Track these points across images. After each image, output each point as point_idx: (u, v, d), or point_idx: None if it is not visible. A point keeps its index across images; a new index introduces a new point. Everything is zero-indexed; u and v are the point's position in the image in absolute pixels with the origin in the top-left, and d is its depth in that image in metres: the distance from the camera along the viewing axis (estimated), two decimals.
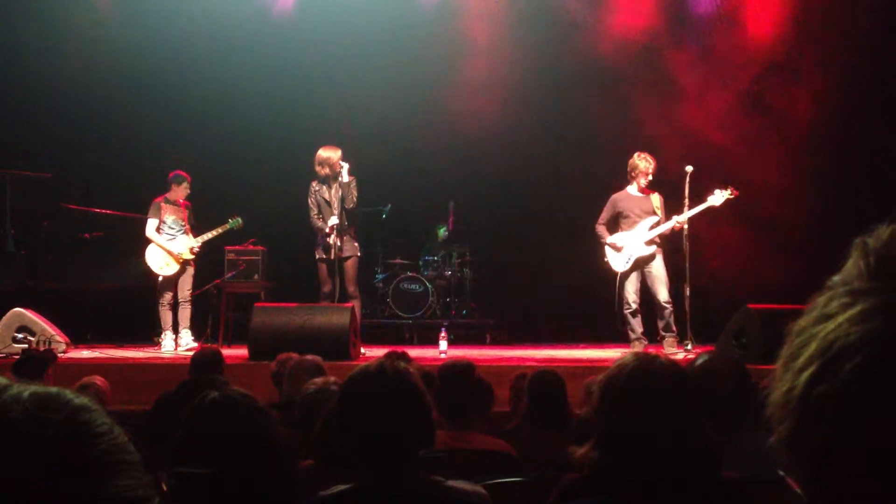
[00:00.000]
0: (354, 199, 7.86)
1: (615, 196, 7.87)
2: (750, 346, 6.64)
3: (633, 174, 7.76)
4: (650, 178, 7.70)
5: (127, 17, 10.18)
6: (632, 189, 7.81)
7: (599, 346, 8.74)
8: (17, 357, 5.96)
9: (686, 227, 7.59)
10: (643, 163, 7.69)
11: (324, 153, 7.87)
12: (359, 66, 10.44)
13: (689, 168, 7.62)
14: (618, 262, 7.76)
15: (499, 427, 3.82)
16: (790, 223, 9.49)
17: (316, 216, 7.94)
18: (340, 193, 7.82)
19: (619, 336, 8.40)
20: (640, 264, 7.70)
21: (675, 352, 7.36)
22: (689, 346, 7.48)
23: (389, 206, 9.51)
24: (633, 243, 7.70)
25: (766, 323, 6.50)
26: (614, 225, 7.86)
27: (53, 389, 0.66)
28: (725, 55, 10.10)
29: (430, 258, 10.66)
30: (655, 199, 7.75)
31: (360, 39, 10.42)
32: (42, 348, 7.00)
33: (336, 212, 7.83)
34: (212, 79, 10.38)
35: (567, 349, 8.79)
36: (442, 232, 10.81)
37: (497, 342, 10.02)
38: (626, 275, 7.72)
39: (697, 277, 7.78)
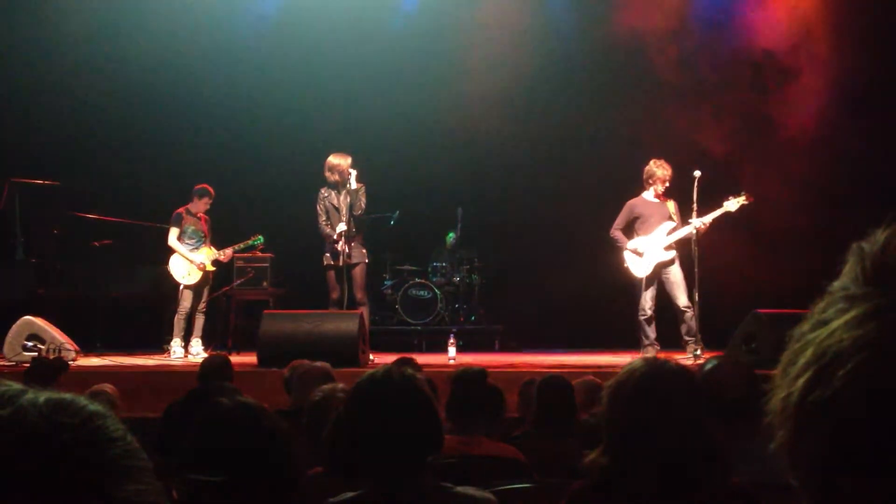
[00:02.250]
0: (363, 206, 7.88)
1: (631, 202, 7.87)
2: (759, 351, 6.62)
3: (650, 181, 7.77)
4: (667, 184, 7.71)
5: (138, 27, 10.23)
6: (648, 195, 7.82)
7: (608, 352, 8.72)
8: (27, 365, 5.98)
9: (695, 232, 7.58)
10: (660, 170, 7.71)
11: (334, 160, 7.90)
12: (367, 73, 10.47)
13: (698, 173, 7.60)
14: (639, 267, 7.75)
15: (508, 433, 3.82)
16: (798, 226, 9.46)
17: (324, 222, 7.96)
18: (349, 200, 7.84)
19: (628, 341, 8.39)
20: (659, 270, 7.70)
21: (697, 357, 7.33)
22: (699, 352, 7.46)
23: (398, 212, 9.52)
24: (653, 249, 7.70)
25: (775, 328, 6.48)
26: (629, 231, 7.85)
27: (68, 395, 0.67)
28: (725, 59, 10.10)
29: (439, 264, 10.66)
30: (671, 206, 7.76)
31: (369, 47, 10.45)
32: (52, 356, 7.02)
33: (344, 218, 7.85)
34: (220, 87, 10.43)
35: (576, 355, 8.77)
36: (450, 238, 10.81)
37: (505, 348, 10.01)
38: (645, 281, 7.71)
39: (706, 283, 7.75)
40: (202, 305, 8.59)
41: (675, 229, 7.67)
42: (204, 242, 8.60)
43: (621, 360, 6.95)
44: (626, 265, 7.82)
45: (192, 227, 8.58)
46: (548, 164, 10.54)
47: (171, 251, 8.51)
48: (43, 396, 0.66)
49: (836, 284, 0.68)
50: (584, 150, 10.33)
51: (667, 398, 1.93)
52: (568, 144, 10.40)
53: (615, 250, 7.92)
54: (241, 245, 8.79)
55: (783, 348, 0.70)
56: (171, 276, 8.50)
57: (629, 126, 10.07)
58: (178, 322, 8.50)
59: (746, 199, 7.56)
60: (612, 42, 10.16)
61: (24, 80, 10.12)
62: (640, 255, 7.73)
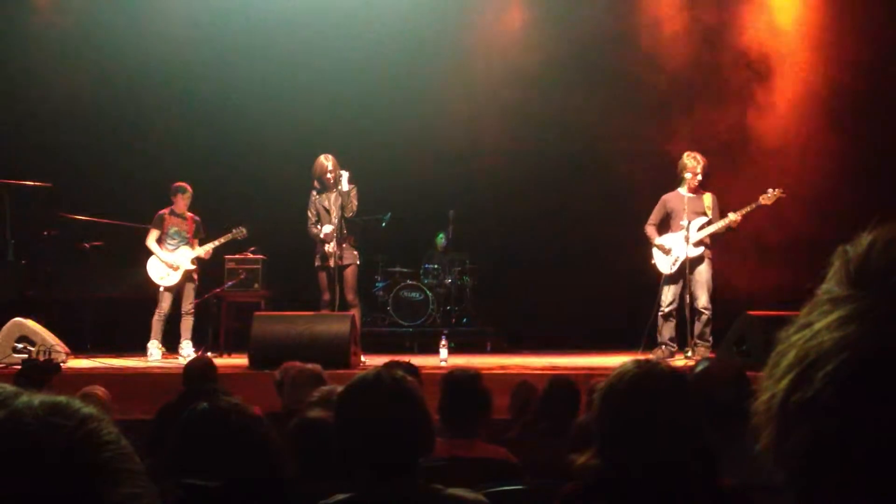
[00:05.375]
0: (354, 208, 7.86)
1: (665, 196, 7.71)
2: (750, 353, 6.64)
3: (682, 173, 7.60)
4: (699, 177, 7.53)
5: (127, 27, 10.20)
6: (682, 189, 7.64)
7: (601, 353, 8.73)
8: (17, 367, 5.95)
9: (689, 233, 7.52)
10: (691, 161, 7.54)
11: (317, 161, 7.90)
12: (358, 74, 10.47)
13: (689, 175, 7.61)
14: (664, 264, 7.59)
15: (499, 435, 3.82)
16: (791, 228, 9.50)
17: (314, 225, 7.95)
18: (340, 202, 7.83)
19: (621, 343, 8.39)
20: (686, 267, 7.51)
21: (689, 358, 7.28)
22: (690, 353, 7.46)
23: (389, 214, 9.52)
24: (681, 245, 7.51)
25: (766, 330, 6.49)
26: (663, 226, 7.69)
27: (63, 398, 0.68)
28: (713, 64, 10.14)
29: (430, 266, 10.67)
30: (707, 199, 7.54)
31: (360, 48, 10.45)
32: (42, 358, 6.99)
33: (334, 220, 7.83)
34: (211, 88, 10.41)
35: (568, 357, 8.78)
36: (440, 239, 10.82)
37: (497, 350, 10.01)
38: (669, 277, 7.56)
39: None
40: (189, 307, 8.54)
41: (707, 224, 7.47)
42: (186, 242, 8.58)
43: (613, 361, 6.96)
44: (652, 261, 7.67)
45: (175, 228, 8.57)
46: (540, 166, 10.56)
47: (149, 253, 8.51)
48: (38, 399, 0.66)
49: (823, 287, 0.69)
50: (576, 152, 10.35)
51: (658, 400, 1.93)
52: (560, 147, 10.41)
53: (646, 246, 7.76)
54: (223, 240, 8.71)
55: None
56: (149, 278, 8.49)
57: (622, 129, 10.09)
58: (156, 324, 8.46)
59: (782, 193, 7.46)
60: (603, 45, 10.19)
61: (13, 82, 10.08)
62: (666, 251, 7.58)
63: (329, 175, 7.78)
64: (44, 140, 10.15)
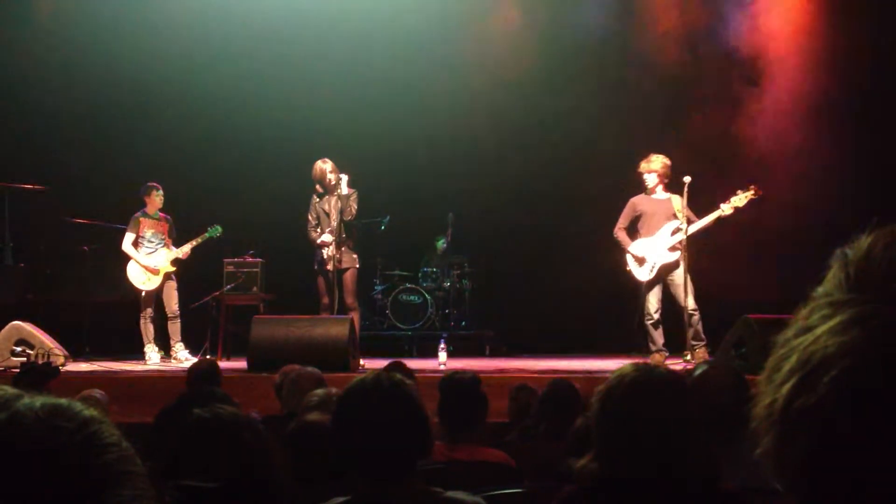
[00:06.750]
0: (353, 212, 7.87)
1: (633, 199, 7.63)
2: (749, 357, 6.62)
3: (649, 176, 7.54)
4: (667, 179, 7.50)
5: (125, 29, 10.21)
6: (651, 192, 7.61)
7: (599, 358, 8.73)
8: (15, 370, 5.95)
9: (685, 237, 7.47)
10: (659, 164, 7.52)
11: (315, 167, 7.90)
12: (359, 77, 10.48)
13: (688, 179, 7.50)
14: (641, 271, 7.51)
15: (498, 438, 3.82)
16: (789, 231, 9.51)
17: (313, 228, 7.96)
18: (340, 206, 7.83)
19: (619, 347, 8.38)
20: (664, 272, 7.44)
21: (687, 361, 7.25)
22: (689, 357, 7.45)
23: (388, 217, 9.52)
24: (657, 250, 7.45)
25: (765, 333, 6.48)
26: (632, 230, 7.63)
27: (64, 400, 0.68)
28: (704, 69, 10.16)
29: (429, 270, 10.66)
30: (676, 201, 7.46)
31: (359, 52, 10.46)
32: (41, 362, 6.99)
33: (333, 224, 7.83)
34: (210, 90, 10.40)
35: (566, 360, 8.78)
36: (441, 243, 10.82)
37: (496, 353, 10.01)
38: (649, 284, 7.48)
39: (697, 287, 7.74)
40: (175, 309, 8.49)
41: (679, 229, 7.38)
42: (163, 244, 8.55)
43: (612, 365, 6.95)
44: (628, 268, 7.59)
45: (152, 231, 8.53)
46: (539, 169, 10.56)
47: (127, 257, 8.46)
48: (39, 401, 0.66)
49: (820, 290, 0.69)
50: (576, 155, 10.35)
51: (656, 404, 1.94)
52: (560, 150, 10.42)
53: (619, 252, 7.69)
54: (199, 239, 8.65)
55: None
56: (130, 282, 8.45)
57: (621, 133, 10.10)
58: (146, 327, 8.43)
59: (755, 194, 7.35)
60: (596, 49, 10.21)
61: (11, 85, 10.08)
62: (642, 258, 7.52)
63: (330, 177, 7.78)
64: (42, 143, 10.15)
